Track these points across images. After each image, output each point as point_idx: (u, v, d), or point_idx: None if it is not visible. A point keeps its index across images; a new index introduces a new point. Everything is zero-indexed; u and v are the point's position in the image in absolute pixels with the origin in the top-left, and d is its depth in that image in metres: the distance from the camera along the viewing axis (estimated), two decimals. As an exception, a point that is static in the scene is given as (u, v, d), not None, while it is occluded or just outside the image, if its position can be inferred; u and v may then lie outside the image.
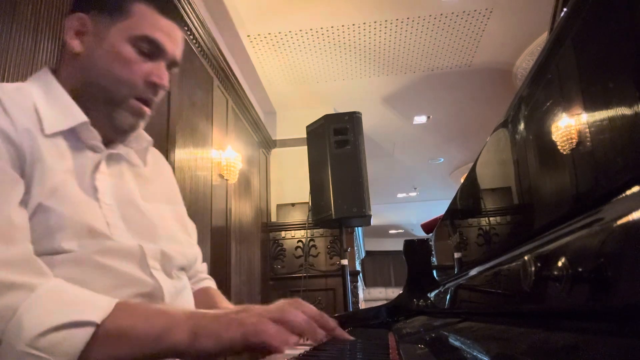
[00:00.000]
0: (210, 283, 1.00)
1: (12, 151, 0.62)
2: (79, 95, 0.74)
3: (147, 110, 0.77)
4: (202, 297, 0.93)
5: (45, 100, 0.71)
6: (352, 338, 0.75)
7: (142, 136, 0.85)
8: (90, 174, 0.72)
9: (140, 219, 0.77)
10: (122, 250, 0.70)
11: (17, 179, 0.61)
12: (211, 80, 3.05)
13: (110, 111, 0.75)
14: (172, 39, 0.78)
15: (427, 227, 1.70)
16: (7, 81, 1.27)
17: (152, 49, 0.75)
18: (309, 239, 4.07)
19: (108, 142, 0.78)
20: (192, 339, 0.54)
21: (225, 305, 0.92)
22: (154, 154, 0.93)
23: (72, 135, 0.72)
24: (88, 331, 0.52)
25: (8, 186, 0.60)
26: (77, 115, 0.72)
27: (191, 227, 0.95)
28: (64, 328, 0.51)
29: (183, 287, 0.82)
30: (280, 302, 0.61)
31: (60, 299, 0.54)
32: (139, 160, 0.85)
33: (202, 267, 1.00)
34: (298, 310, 0.59)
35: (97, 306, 0.55)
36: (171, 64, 0.80)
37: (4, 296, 0.52)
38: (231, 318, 0.56)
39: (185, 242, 0.87)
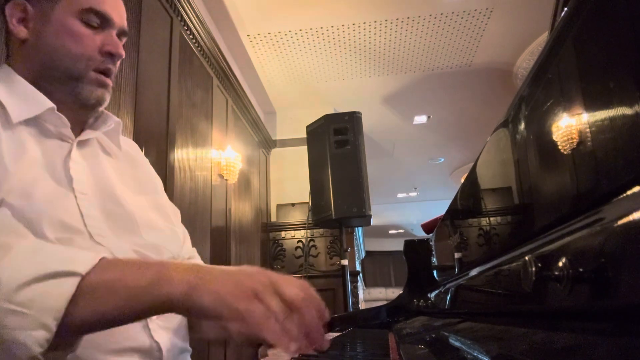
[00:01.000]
0: (199, 262, 0.93)
1: None
2: (39, 81, 0.73)
3: (108, 80, 0.78)
4: None
5: (7, 93, 0.70)
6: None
7: (109, 117, 0.83)
8: (63, 163, 0.71)
9: (118, 210, 0.75)
10: (96, 250, 0.67)
11: None
12: (211, 80, 3.05)
13: (73, 87, 0.74)
14: (116, 8, 0.79)
15: (427, 227, 1.70)
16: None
17: (100, 20, 0.76)
18: (309, 239, 4.07)
19: (77, 129, 0.77)
20: (189, 292, 0.48)
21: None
22: (128, 143, 0.91)
23: (38, 125, 0.71)
24: (72, 282, 0.47)
25: None
26: (42, 102, 0.71)
27: (172, 211, 0.91)
28: (45, 279, 0.47)
29: None
30: (296, 287, 0.52)
31: (40, 254, 0.50)
32: (111, 145, 0.83)
33: (192, 252, 0.94)
34: (311, 310, 0.51)
35: (81, 258, 0.50)
36: (120, 33, 0.80)
37: None
38: (239, 283, 0.49)
39: (167, 229, 0.84)
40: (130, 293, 0.49)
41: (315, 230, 4.01)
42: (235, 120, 3.56)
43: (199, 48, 2.83)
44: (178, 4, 2.45)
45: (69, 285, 0.47)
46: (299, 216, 4.20)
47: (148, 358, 0.69)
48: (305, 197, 3.17)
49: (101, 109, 0.80)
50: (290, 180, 4.45)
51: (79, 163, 0.73)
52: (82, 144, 0.77)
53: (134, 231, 0.75)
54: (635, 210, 0.27)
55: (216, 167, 2.99)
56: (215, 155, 2.98)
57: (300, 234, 4.12)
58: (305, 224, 3.92)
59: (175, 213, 0.92)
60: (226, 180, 3.12)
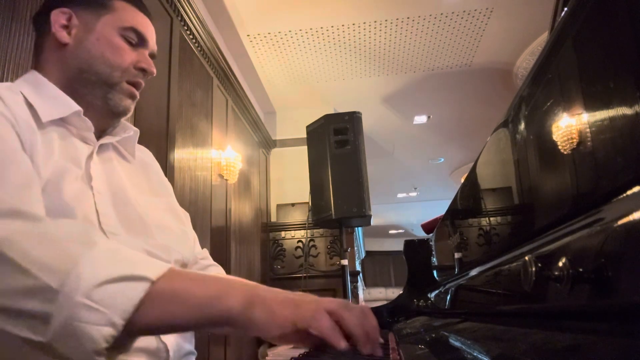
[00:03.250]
0: (219, 269, 0.97)
1: (18, 142, 0.65)
2: (72, 84, 0.79)
3: (137, 93, 0.85)
4: None
5: (36, 95, 0.74)
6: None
7: (127, 126, 0.89)
8: (85, 162, 0.75)
9: (131, 210, 0.78)
10: None
11: (32, 167, 0.64)
12: (211, 80, 3.05)
13: (106, 93, 0.80)
14: (150, 31, 0.86)
15: (427, 227, 1.70)
16: (7, 80, 1.27)
17: (137, 39, 0.83)
18: (309, 239, 4.07)
19: (97, 134, 0.82)
20: (246, 306, 0.52)
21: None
22: (142, 150, 0.96)
23: (64, 126, 0.75)
24: (143, 286, 0.51)
25: (34, 173, 0.63)
26: (70, 105, 0.76)
27: (184, 215, 0.95)
28: (120, 281, 0.51)
29: None
30: (341, 301, 0.57)
31: (118, 256, 0.54)
32: (127, 152, 0.89)
33: (204, 253, 0.98)
34: (356, 315, 0.55)
35: (153, 265, 0.54)
36: (151, 55, 0.87)
37: (66, 249, 0.52)
38: (288, 297, 0.54)
39: (177, 230, 0.87)
40: (194, 303, 0.53)
41: (315, 230, 4.01)
42: (235, 120, 3.56)
43: (199, 48, 2.83)
44: (178, 4, 2.45)
45: (139, 289, 0.51)
46: (299, 216, 4.20)
47: (155, 358, 0.71)
48: (305, 197, 3.17)
49: (124, 118, 0.86)
50: (290, 180, 4.45)
51: (97, 164, 0.78)
52: (101, 148, 0.81)
53: (144, 231, 0.78)
54: (635, 210, 0.27)
55: (216, 167, 2.99)
56: (215, 155, 2.98)
57: (300, 234, 4.12)
58: (305, 224, 3.92)
59: (186, 216, 0.96)
60: (226, 180, 3.12)
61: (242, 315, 0.52)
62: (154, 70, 0.85)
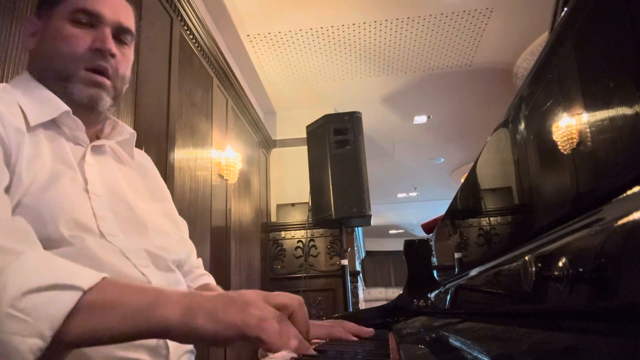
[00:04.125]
0: (209, 279, 0.98)
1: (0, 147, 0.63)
2: (45, 86, 0.76)
3: (103, 79, 0.77)
4: None
5: (25, 97, 0.73)
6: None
7: (124, 129, 0.86)
8: (78, 165, 0.74)
9: (128, 213, 0.77)
10: (107, 248, 0.70)
11: (3, 170, 0.62)
12: (211, 80, 3.05)
13: (64, 87, 0.76)
14: (108, 4, 0.79)
15: (427, 227, 1.70)
16: (6, 80, 1.27)
17: (89, 19, 0.77)
18: (309, 239, 4.07)
19: (93, 134, 0.81)
20: (185, 314, 0.49)
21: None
22: (142, 155, 0.95)
23: (55, 128, 0.74)
24: (73, 296, 0.48)
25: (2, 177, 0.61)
26: (58, 106, 0.74)
27: (182, 223, 0.95)
28: (48, 289, 0.48)
29: (176, 282, 0.81)
30: (282, 295, 0.55)
31: (47, 265, 0.51)
32: (124, 154, 0.87)
33: (198, 263, 0.98)
34: (304, 309, 0.54)
35: (84, 274, 0.51)
36: (118, 30, 0.80)
37: None
38: (231, 300, 0.51)
39: (175, 235, 0.86)
40: (128, 313, 0.49)
41: (315, 230, 4.01)
42: (235, 120, 3.56)
43: (199, 48, 2.83)
44: (178, 4, 2.46)
45: (69, 298, 0.48)
46: (299, 216, 4.20)
47: (155, 355, 0.70)
48: (305, 197, 3.17)
49: (101, 108, 0.80)
50: (290, 180, 4.45)
51: (92, 166, 0.76)
52: (96, 150, 0.80)
53: (143, 234, 0.77)
54: (635, 210, 0.27)
55: (216, 167, 2.99)
56: (215, 155, 2.98)
57: (300, 234, 4.12)
58: (305, 224, 3.92)
59: (184, 224, 0.96)
60: (226, 180, 3.12)
61: (182, 324, 0.49)
62: (109, 47, 0.77)
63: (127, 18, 0.82)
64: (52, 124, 0.73)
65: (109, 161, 0.82)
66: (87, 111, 0.78)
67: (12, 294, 0.47)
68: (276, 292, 0.55)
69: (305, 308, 0.56)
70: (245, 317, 0.49)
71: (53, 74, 0.76)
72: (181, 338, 0.50)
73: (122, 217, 0.75)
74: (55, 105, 0.74)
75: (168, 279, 0.78)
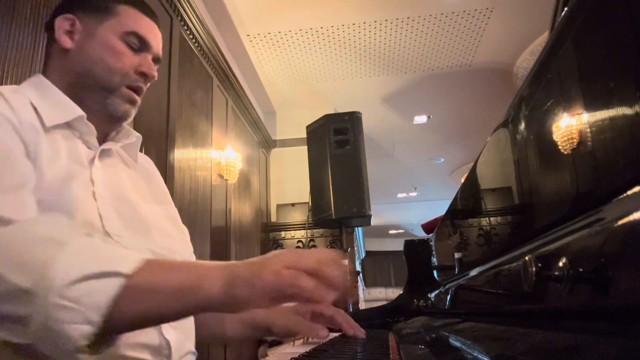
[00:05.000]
0: None
1: (20, 145, 0.66)
2: (73, 89, 0.79)
3: (137, 97, 0.84)
4: None
5: (41, 99, 0.75)
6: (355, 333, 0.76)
7: (130, 132, 0.89)
8: (87, 167, 0.76)
9: (132, 214, 0.79)
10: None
11: (28, 165, 0.65)
12: (211, 80, 3.05)
13: (104, 98, 0.80)
14: (155, 36, 0.86)
15: (428, 227, 1.70)
16: (6, 80, 1.27)
17: (139, 44, 0.83)
18: (309, 239, 4.07)
19: (101, 138, 0.83)
20: (226, 288, 0.52)
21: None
22: (145, 158, 0.97)
23: (67, 131, 0.76)
24: (118, 282, 0.51)
25: (27, 176, 0.63)
26: (73, 109, 0.76)
27: (183, 228, 0.97)
28: (93, 278, 0.50)
29: None
30: (317, 251, 0.57)
31: (90, 252, 0.53)
32: (129, 158, 0.89)
33: None
34: (335, 268, 0.56)
35: (127, 259, 0.53)
36: (155, 59, 0.87)
37: (38, 250, 0.52)
38: (266, 265, 0.54)
39: (177, 237, 0.89)
40: (174, 295, 0.52)
41: (315, 230, 4.01)
42: (235, 120, 3.56)
43: (199, 48, 2.83)
44: (178, 4, 2.45)
45: (114, 285, 0.50)
46: (299, 216, 4.20)
47: (157, 355, 0.72)
48: (305, 197, 3.17)
49: (125, 123, 0.86)
50: (290, 180, 4.45)
51: (99, 169, 0.78)
52: (103, 153, 0.82)
53: (147, 234, 0.79)
54: (635, 210, 0.27)
55: (216, 167, 2.99)
56: (215, 155, 2.98)
57: (300, 234, 4.12)
58: (305, 224, 3.92)
59: (185, 229, 0.97)
60: (226, 180, 3.12)
61: (225, 297, 0.52)
62: (155, 74, 0.85)
63: (161, 50, 0.90)
64: (66, 126, 0.76)
65: (115, 164, 0.84)
66: (114, 122, 0.84)
67: (61, 283, 0.49)
68: (309, 251, 0.57)
69: (340, 263, 0.57)
70: (280, 278, 0.52)
71: (94, 82, 0.80)
72: (225, 308, 0.53)
73: (126, 218, 0.77)
74: (70, 109, 0.76)
75: None
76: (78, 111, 0.76)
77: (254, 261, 0.56)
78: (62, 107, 0.76)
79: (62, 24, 0.81)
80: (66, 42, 0.80)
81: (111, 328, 0.51)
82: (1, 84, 1.24)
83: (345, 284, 0.56)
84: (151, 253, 0.77)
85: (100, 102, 0.80)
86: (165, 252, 0.80)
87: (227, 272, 0.53)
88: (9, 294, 0.49)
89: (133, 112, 0.85)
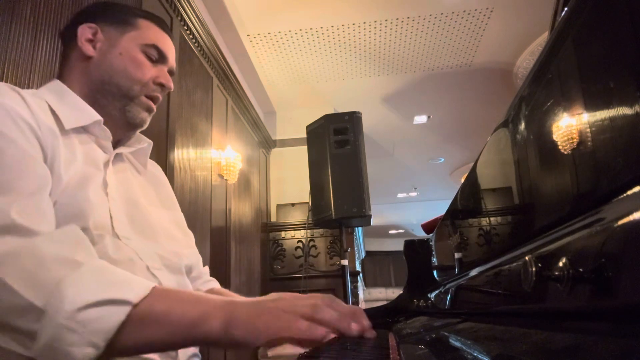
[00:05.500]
0: (215, 284, 1.03)
1: (39, 149, 0.68)
2: (93, 95, 0.83)
3: (154, 106, 0.89)
4: None
5: (59, 103, 0.77)
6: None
7: (142, 138, 0.93)
8: (102, 170, 0.79)
9: (141, 218, 0.81)
10: (122, 249, 0.73)
11: (46, 170, 0.67)
12: (211, 80, 3.05)
13: (124, 105, 0.84)
14: (170, 49, 0.91)
15: (428, 227, 1.70)
16: (6, 80, 1.27)
17: (158, 56, 0.88)
18: (309, 239, 4.07)
19: (114, 144, 0.86)
20: (224, 328, 0.55)
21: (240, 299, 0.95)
22: (153, 165, 1.00)
23: (84, 134, 0.79)
24: (124, 310, 0.53)
25: (44, 180, 0.65)
26: (91, 114, 0.80)
27: (189, 233, 1.00)
28: (101, 305, 0.53)
29: (185, 285, 0.86)
30: (314, 297, 0.61)
31: (101, 278, 0.56)
32: (138, 164, 0.93)
33: (205, 270, 1.03)
34: (331, 307, 0.60)
35: (135, 287, 0.56)
36: (170, 71, 0.92)
37: (52, 270, 0.54)
38: (265, 308, 0.57)
39: (184, 242, 0.92)
40: (174, 329, 0.55)
41: (315, 230, 4.01)
42: (235, 120, 3.56)
43: (199, 48, 2.83)
44: (178, 4, 2.45)
45: (120, 313, 0.53)
46: (299, 216, 4.20)
47: (165, 357, 0.74)
48: (305, 197, 3.17)
49: (139, 130, 0.90)
50: (290, 180, 4.45)
51: (112, 173, 0.81)
52: (115, 158, 0.85)
53: (155, 239, 0.82)
54: (635, 210, 0.27)
55: (216, 167, 2.99)
56: (215, 155, 2.98)
57: (300, 234, 4.12)
58: (305, 224, 3.92)
59: (191, 234, 1.01)
60: (226, 180, 3.12)
61: (223, 336, 0.55)
62: (172, 86, 0.90)
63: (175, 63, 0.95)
64: (83, 130, 0.79)
65: (125, 169, 0.87)
66: (131, 128, 0.87)
67: (70, 307, 0.52)
68: (307, 296, 0.61)
69: (333, 304, 0.61)
70: (276, 323, 0.55)
71: (117, 89, 0.83)
72: (223, 345, 0.56)
73: (135, 221, 0.80)
74: (88, 113, 0.79)
75: (178, 281, 0.83)
76: (96, 116, 0.80)
77: (255, 303, 0.58)
78: (80, 111, 0.79)
79: (84, 32, 0.84)
80: (89, 50, 0.83)
81: (113, 352, 0.53)
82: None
83: (341, 325, 0.60)
84: (158, 257, 0.79)
85: (119, 108, 0.84)
86: (172, 256, 0.82)
87: (227, 313, 0.56)
88: (21, 308, 0.52)
89: (149, 119, 0.89)
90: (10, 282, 0.52)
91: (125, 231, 0.76)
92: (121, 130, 0.86)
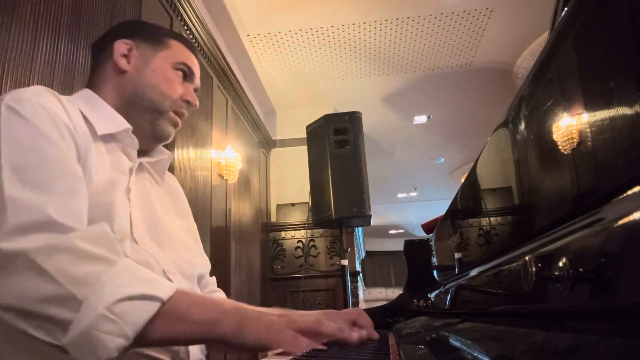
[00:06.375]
0: (222, 295, 1.06)
1: (74, 150, 0.71)
2: (125, 107, 0.86)
3: (180, 122, 0.93)
4: None
5: (91, 110, 0.81)
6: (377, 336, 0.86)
7: (163, 150, 0.97)
8: (127, 176, 0.82)
9: (159, 226, 0.85)
10: (141, 253, 0.76)
11: (80, 171, 0.70)
12: (211, 79, 3.05)
13: (155, 119, 0.89)
14: (197, 70, 0.96)
15: (428, 227, 1.70)
16: (6, 80, 1.27)
17: (187, 74, 0.93)
18: (309, 239, 4.07)
19: (138, 153, 0.89)
20: (236, 331, 0.62)
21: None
22: (171, 177, 1.04)
23: (112, 143, 0.82)
24: (155, 305, 0.59)
25: (82, 181, 0.69)
26: (121, 122, 0.83)
27: (200, 243, 1.04)
28: (137, 299, 0.58)
29: (197, 291, 0.90)
30: (317, 313, 0.70)
31: (135, 275, 0.61)
32: (156, 175, 0.96)
33: (213, 280, 1.06)
34: (333, 320, 0.69)
35: (164, 286, 0.62)
36: (195, 89, 0.96)
37: (90, 265, 0.59)
38: (273, 322, 0.64)
39: (197, 251, 0.96)
40: (195, 327, 0.61)
41: (315, 230, 4.01)
42: (235, 120, 3.56)
43: (199, 48, 2.83)
44: (178, 4, 2.45)
45: (152, 308, 0.59)
46: (299, 216, 4.20)
47: (176, 358, 0.77)
48: (305, 197, 3.17)
49: (164, 144, 0.94)
50: (290, 180, 4.45)
51: (134, 180, 0.84)
52: (137, 167, 0.88)
53: (170, 246, 0.85)
54: (635, 210, 0.27)
55: (216, 167, 2.99)
56: (215, 155, 2.98)
57: (300, 234, 4.12)
58: (305, 224, 3.92)
59: (201, 244, 1.05)
60: (226, 180, 3.12)
61: (234, 338, 0.62)
62: (197, 104, 0.94)
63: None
64: (111, 138, 0.82)
65: (145, 179, 0.91)
66: (157, 141, 0.92)
67: (109, 299, 0.56)
68: (312, 315, 0.70)
69: (334, 317, 0.72)
70: (280, 337, 0.63)
71: (150, 104, 0.87)
72: (232, 347, 0.63)
73: (153, 229, 0.83)
74: (118, 122, 0.83)
75: (191, 288, 0.87)
76: (126, 124, 0.83)
77: (264, 315, 0.66)
78: (111, 119, 0.83)
79: (120, 47, 0.88)
80: (124, 64, 0.88)
81: (139, 343, 0.58)
82: (1, 84, 1.25)
83: (343, 334, 0.68)
84: (174, 263, 0.83)
85: (150, 122, 0.88)
86: (186, 264, 0.86)
87: (240, 317, 0.63)
88: (59, 298, 0.56)
89: (174, 134, 0.93)
90: (52, 272, 0.56)
91: (143, 237, 0.79)
92: (147, 142, 0.90)
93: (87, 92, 0.86)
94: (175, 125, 0.92)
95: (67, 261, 0.58)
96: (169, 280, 0.78)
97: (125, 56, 0.88)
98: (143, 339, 0.58)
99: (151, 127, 0.89)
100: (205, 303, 0.65)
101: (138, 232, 0.78)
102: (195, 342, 0.64)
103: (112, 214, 0.73)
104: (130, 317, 0.56)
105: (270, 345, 0.62)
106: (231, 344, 0.62)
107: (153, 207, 0.87)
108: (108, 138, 0.81)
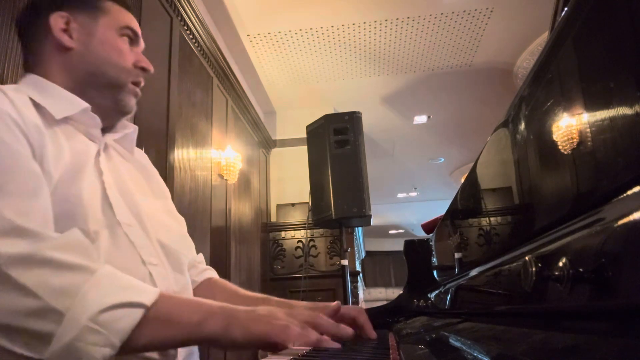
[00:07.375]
0: (212, 273, 1.01)
1: (28, 147, 0.65)
2: (80, 87, 0.80)
3: (139, 92, 0.87)
4: (209, 289, 0.94)
5: (43, 96, 0.74)
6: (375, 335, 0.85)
7: (126, 124, 0.90)
8: (94, 158, 0.76)
9: (139, 207, 0.80)
10: (119, 245, 0.72)
11: (37, 170, 0.64)
12: (211, 79, 3.05)
13: (116, 95, 0.82)
14: (139, 29, 0.88)
15: (428, 227, 1.70)
16: (6, 80, 1.27)
17: (132, 38, 0.86)
18: (309, 239, 4.07)
19: (101, 131, 0.83)
20: (225, 328, 0.60)
21: (243, 292, 0.95)
22: (139, 153, 0.96)
23: (69, 126, 0.76)
24: (139, 312, 0.57)
25: (41, 179, 0.64)
26: (77, 103, 0.77)
27: (180, 219, 0.97)
28: (121, 307, 0.56)
29: (186, 284, 0.85)
30: (306, 309, 0.72)
31: (116, 282, 0.59)
32: (124, 151, 0.89)
33: (200, 258, 1.01)
34: (323, 318, 0.70)
35: (146, 291, 0.60)
36: (142, 52, 0.89)
37: (69, 275, 0.56)
38: (260, 315, 0.63)
39: (176, 231, 0.90)
40: (182, 328, 0.60)
41: (315, 230, 4.01)
42: (235, 120, 3.56)
43: (199, 48, 2.83)
44: (178, 4, 2.45)
45: (136, 315, 0.57)
46: (299, 216, 4.20)
47: (164, 355, 0.74)
48: (305, 197, 3.17)
49: (121, 123, 0.88)
50: (290, 180, 4.45)
51: (104, 160, 0.79)
52: (104, 145, 0.82)
53: (153, 230, 0.80)
54: (635, 210, 0.27)
55: (216, 167, 2.99)
56: (215, 155, 2.98)
57: (300, 234, 4.12)
58: (305, 224, 3.92)
59: (182, 220, 0.98)
60: (226, 180, 3.12)
61: (223, 336, 0.61)
62: (152, 69, 0.87)
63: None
64: (68, 120, 0.76)
65: (114, 157, 0.84)
66: (121, 116, 0.86)
67: (92, 309, 0.54)
68: (301, 309, 0.70)
69: (326, 318, 0.71)
70: (271, 327, 0.61)
71: (107, 80, 0.81)
72: (223, 346, 0.62)
73: (134, 209, 0.78)
74: (74, 102, 0.77)
75: (177, 279, 0.82)
76: (82, 104, 0.77)
77: (254, 311, 0.64)
78: (67, 101, 0.76)
79: (57, 21, 0.79)
80: (67, 41, 0.79)
81: (124, 351, 0.56)
82: (1, 84, 1.24)
83: (338, 329, 0.70)
84: (159, 244, 0.79)
85: (110, 98, 0.82)
86: (175, 243, 0.83)
87: (228, 315, 0.62)
88: (38, 311, 0.53)
89: (135, 103, 0.87)
90: (29, 285, 0.53)
91: (127, 218, 0.75)
92: (109, 118, 0.83)
93: (33, 77, 0.78)
94: (136, 96, 0.86)
95: (43, 273, 0.55)
96: (149, 274, 0.74)
97: (65, 30, 0.79)
98: (130, 346, 0.56)
99: (113, 103, 0.82)
100: (191, 304, 0.63)
101: (121, 213, 0.74)
102: (184, 344, 0.62)
103: (81, 207, 0.68)
104: (115, 325, 0.55)
105: (261, 338, 0.61)
106: (221, 342, 0.61)
107: (128, 188, 0.81)
108: (64, 122, 0.74)
